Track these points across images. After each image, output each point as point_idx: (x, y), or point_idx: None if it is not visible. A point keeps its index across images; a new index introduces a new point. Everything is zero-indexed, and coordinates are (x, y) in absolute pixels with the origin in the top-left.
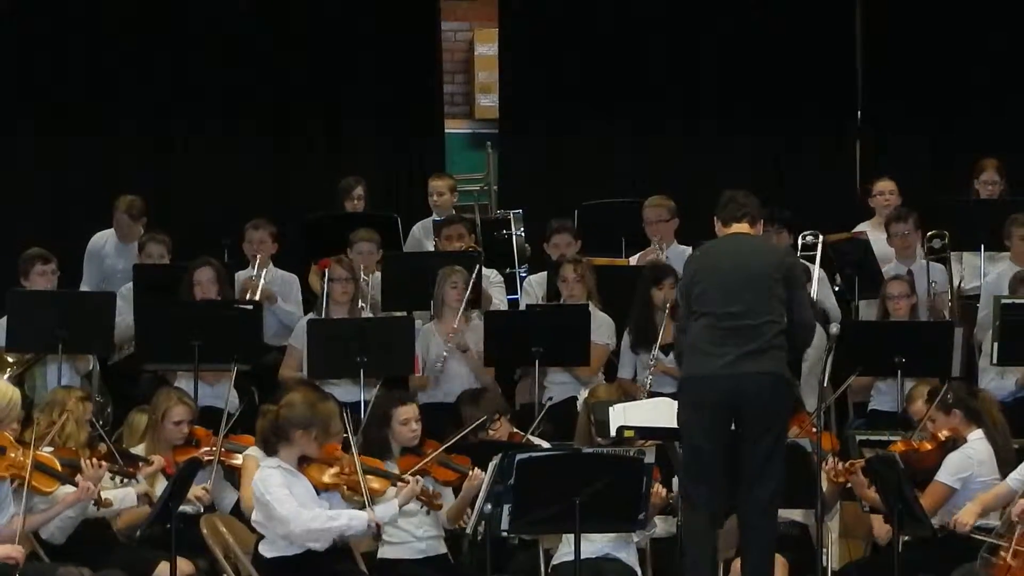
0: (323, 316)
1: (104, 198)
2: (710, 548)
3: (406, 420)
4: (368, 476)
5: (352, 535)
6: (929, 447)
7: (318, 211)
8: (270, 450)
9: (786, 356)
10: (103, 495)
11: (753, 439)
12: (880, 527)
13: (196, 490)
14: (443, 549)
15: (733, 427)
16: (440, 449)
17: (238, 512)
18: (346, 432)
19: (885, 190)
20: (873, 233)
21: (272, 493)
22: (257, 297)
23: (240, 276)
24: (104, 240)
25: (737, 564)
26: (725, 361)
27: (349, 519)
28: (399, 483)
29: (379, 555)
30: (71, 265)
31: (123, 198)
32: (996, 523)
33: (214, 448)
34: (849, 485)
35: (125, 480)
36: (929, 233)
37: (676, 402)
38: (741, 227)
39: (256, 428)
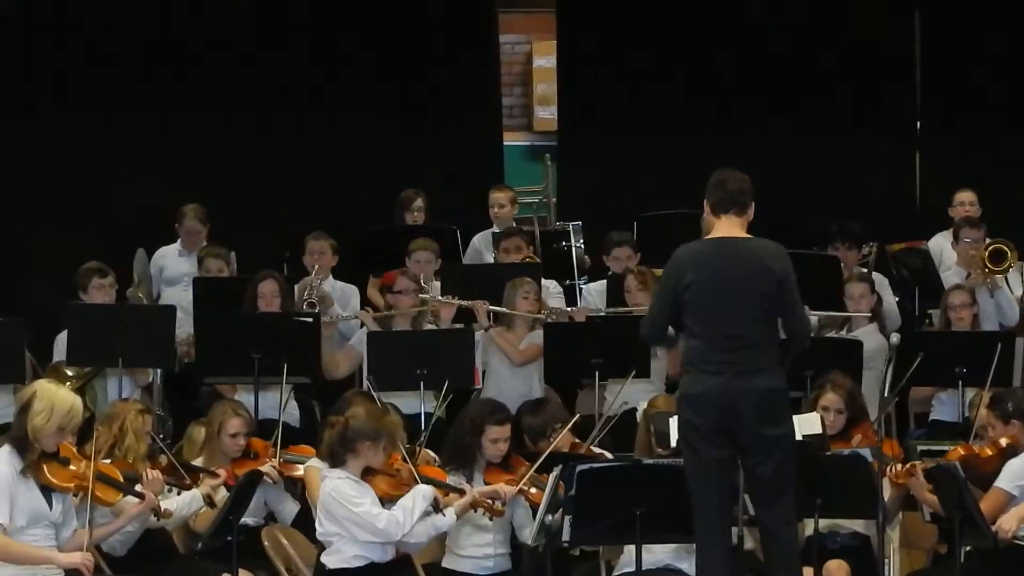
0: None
1: (158, 213)
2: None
3: (496, 439)
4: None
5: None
6: (989, 453)
7: (377, 224)
8: (336, 461)
9: (784, 370)
10: (163, 506)
11: (756, 462)
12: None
13: (266, 467)
14: (509, 566)
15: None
16: (531, 469)
17: (299, 524)
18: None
19: (966, 200)
20: (948, 244)
21: (359, 506)
22: (314, 298)
23: (300, 284)
24: (165, 254)
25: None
26: (723, 379)
27: (424, 500)
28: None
29: (443, 564)
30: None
31: (188, 207)
32: None
33: (273, 460)
34: (911, 492)
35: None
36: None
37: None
38: (731, 221)
39: (323, 439)
